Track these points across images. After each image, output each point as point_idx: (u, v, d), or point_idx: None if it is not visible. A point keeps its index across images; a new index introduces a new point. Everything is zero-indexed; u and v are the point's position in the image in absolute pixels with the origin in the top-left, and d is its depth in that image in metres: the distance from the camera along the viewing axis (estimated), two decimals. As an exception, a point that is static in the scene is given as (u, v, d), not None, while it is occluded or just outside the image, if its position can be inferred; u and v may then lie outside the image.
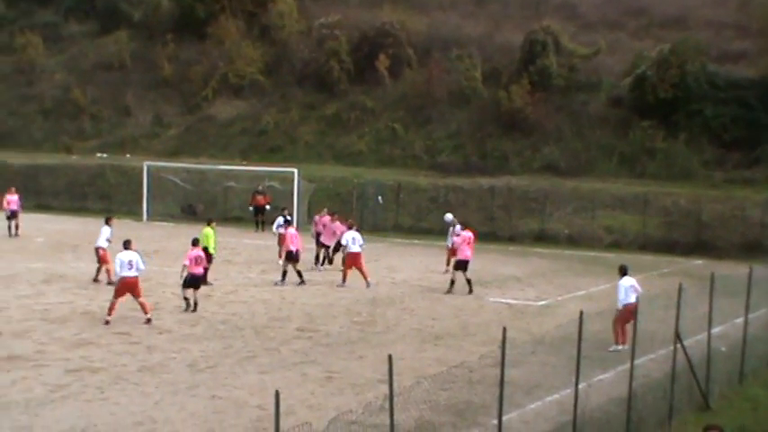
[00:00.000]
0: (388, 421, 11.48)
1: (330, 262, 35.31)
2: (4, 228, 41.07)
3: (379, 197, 49.60)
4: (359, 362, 20.73)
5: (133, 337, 22.47)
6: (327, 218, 36.53)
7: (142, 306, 24.12)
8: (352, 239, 31.45)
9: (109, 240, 29.72)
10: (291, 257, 30.97)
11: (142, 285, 24.73)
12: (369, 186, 50.30)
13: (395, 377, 11.50)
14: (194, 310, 25.80)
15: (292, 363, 20.46)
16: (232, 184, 51.81)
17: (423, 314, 26.83)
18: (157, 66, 66.44)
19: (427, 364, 19.90)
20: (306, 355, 21.29)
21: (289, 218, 36.12)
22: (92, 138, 64.19)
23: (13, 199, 41.83)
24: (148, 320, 23.81)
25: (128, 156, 59.74)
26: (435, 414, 15.33)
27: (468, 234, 30.77)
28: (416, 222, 48.41)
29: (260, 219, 47.33)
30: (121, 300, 24.04)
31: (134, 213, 50.42)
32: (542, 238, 45.38)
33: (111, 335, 22.63)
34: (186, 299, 25.98)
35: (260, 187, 48.56)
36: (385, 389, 11.71)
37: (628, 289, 22.17)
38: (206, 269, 30.27)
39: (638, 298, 21.64)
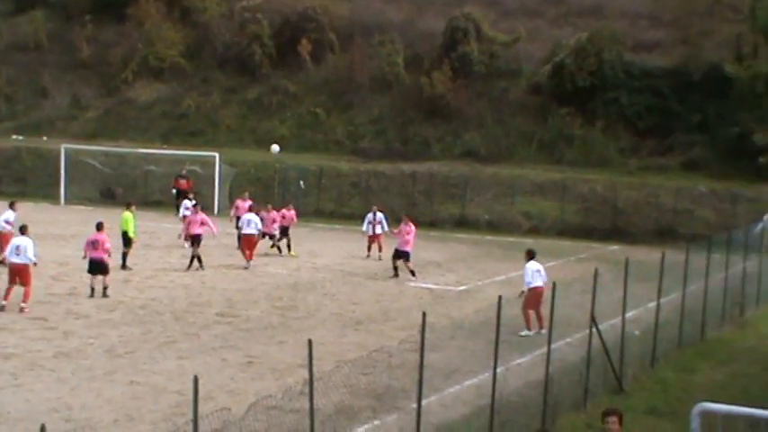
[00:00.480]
0: (307, 406, 11.48)
1: (279, 249, 35.20)
2: None
3: (301, 182, 49.49)
4: (279, 347, 20.69)
5: (49, 323, 22.10)
6: (246, 203, 36.42)
7: (25, 294, 23.32)
8: (247, 222, 32.43)
9: (8, 223, 28.93)
10: (195, 241, 30.77)
11: (60, 270, 24.31)
12: (290, 171, 50.15)
13: (315, 362, 11.50)
14: (104, 295, 25.33)
15: (212, 348, 20.34)
16: (152, 167, 51.22)
17: (344, 299, 26.87)
18: (75, 47, 65.15)
19: (347, 349, 19.94)
20: (225, 340, 21.17)
21: (194, 202, 36.05)
22: (7, 119, 62.75)
23: None
24: (22, 309, 22.96)
25: (44, 138, 58.57)
26: (355, 398, 15.37)
27: (412, 228, 31.17)
28: (338, 207, 48.42)
29: (181, 203, 46.76)
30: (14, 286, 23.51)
31: (51, 197, 49.56)
32: (463, 224, 45.78)
33: (26, 320, 22.23)
34: (92, 287, 25.51)
35: (183, 171, 48.07)
36: (305, 373, 11.70)
37: (534, 273, 22.68)
38: (125, 253, 30.00)
39: (544, 282, 22.10)
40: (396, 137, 55.29)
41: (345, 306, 25.82)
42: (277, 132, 57.51)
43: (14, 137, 59.32)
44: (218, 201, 48.50)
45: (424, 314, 13.18)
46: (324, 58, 61.18)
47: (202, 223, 31.40)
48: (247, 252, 32.06)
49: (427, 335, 13.09)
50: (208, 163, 49.70)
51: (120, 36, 65.30)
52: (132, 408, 15.88)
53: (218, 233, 32.25)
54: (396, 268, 30.55)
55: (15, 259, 23.42)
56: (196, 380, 9.78)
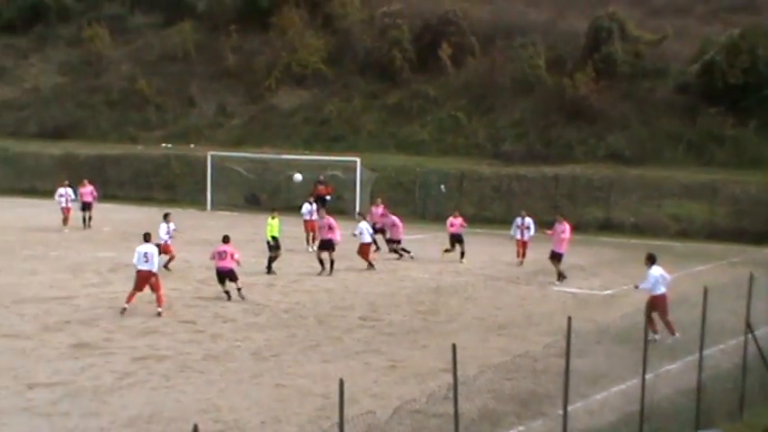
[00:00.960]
0: (451, 410, 11.43)
1: (397, 253, 35.37)
2: (79, 218, 41.57)
3: (442, 186, 49.49)
4: (422, 351, 20.70)
5: (198, 326, 22.69)
6: (378, 209, 36.72)
7: (158, 299, 23.90)
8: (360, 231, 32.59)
9: (170, 234, 30.11)
10: (325, 246, 31.03)
11: (208, 274, 24.89)
12: (431, 175, 50.21)
13: (458, 366, 11.44)
14: (240, 296, 25.95)
15: (355, 352, 20.50)
16: (295, 173, 51.99)
17: (486, 303, 26.72)
18: (221, 56, 66.83)
19: (491, 354, 19.79)
20: (369, 344, 21.31)
21: (315, 205, 37.09)
22: (157, 128, 64.82)
23: (86, 191, 42.16)
24: (159, 314, 23.53)
25: (192, 146, 60.25)
26: (499, 403, 15.26)
27: (567, 227, 30.91)
28: (479, 211, 48.17)
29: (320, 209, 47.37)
30: (140, 292, 24.02)
31: (198, 203, 50.96)
32: (607, 227, 44.95)
33: (177, 323, 22.88)
34: (226, 291, 26.11)
35: (321, 177, 48.71)
36: (448, 378, 11.65)
37: (657, 278, 21.80)
38: (271, 258, 30.61)
39: (666, 287, 21.39)
40: (537, 140, 54.71)
41: (488, 310, 25.67)
42: (418, 137, 57.71)
43: (164, 145, 61.22)
44: (359, 205, 48.92)
45: (569, 318, 12.98)
46: (464, 62, 61.03)
47: (330, 228, 31.46)
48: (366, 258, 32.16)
49: (572, 340, 12.88)
50: (349, 168, 50.23)
51: (263, 44, 66.65)
52: (278, 410, 16.14)
53: (340, 240, 32.15)
54: (559, 273, 30.23)
55: (144, 266, 23.87)
56: (342, 383, 9.85)
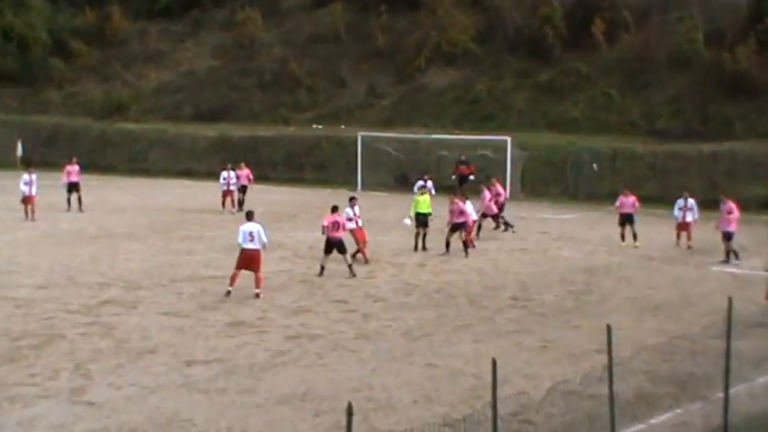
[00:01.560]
0: (606, 392, 11.26)
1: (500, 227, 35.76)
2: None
3: (594, 165, 48.70)
4: (574, 331, 20.47)
5: (350, 306, 23.00)
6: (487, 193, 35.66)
7: (257, 280, 23.60)
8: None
9: (350, 219, 28.74)
10: (455, 228, 30.53)
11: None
12: (583, 154, 49.45)
13: (613, 347, 11.25)
14: (352, 274, 26.13)
15: (507, 332, 20.44)
16: (444, 153, 52.03)
17: (640, 283, 26.21)
18: (371, 36, 67.30)
19: (646, 335, 19.41)
20: (520, 323, 21.21)
21: (427, 181, 37.31)
22: (308, 109, 65.81)
23: (243, 174, 42.47)
24: (257, 295, 23.30)
25: (342, 126, 60.96)
26: (655, 385, 14.97)
27: (734, 206, 30.03)
28: (633, 190, 47.07)
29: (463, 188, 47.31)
30: (243, 271, 23.63)
31: (349, 183, 51.52)
32: (771, 205, 43.27)
33: (329, 303, 23.25)
34: (322, 266, 26.34)
35: (463, 157, 48.58)
36: (602, 359, 11.49)
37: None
38: (417, 234, 30.54)
39: None
40: (694, 116, 53.14)
41: (642, 291, 25.17)
42: (569, 115, 56.88)
43: (315, 126, 62.16)
44: (511, 184, 48.65)
45: (730, 299, 12.60)
46: (618, 38, 59.76)
47: (461, 212, 30.65)
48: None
49: (733, 321, 12.49)
50: (499, 148, 49.92)
51: (413, 24, 66.79)
52: (430, 389, 16.22)
53: (472, 224, 31.63)
54: (730, 252, 29.49)
55: (249, 245, 23.48)
56: (494, 363, 9.84)
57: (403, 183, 51.93)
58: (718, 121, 52.15)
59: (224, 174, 41.85)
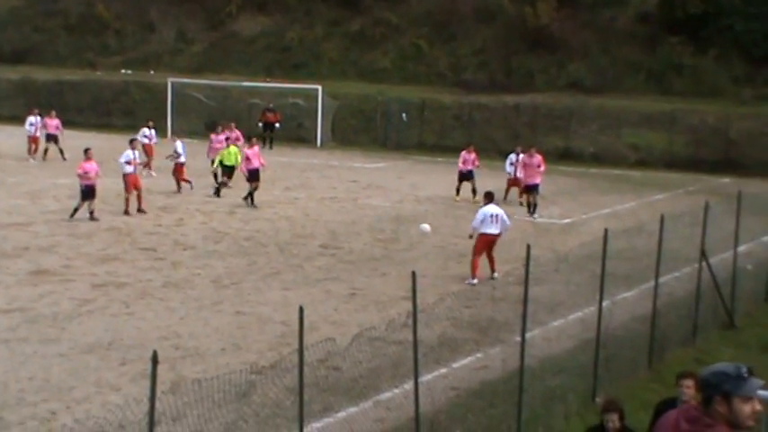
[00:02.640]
0: (411, 337, 11.44)
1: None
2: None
3: (404, 114, 49.32)
4: (382, 279, 20.74)
5: (158, 253, 22.56)
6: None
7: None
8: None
9: (129, 163, 28.13)
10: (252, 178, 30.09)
11: (169, 201, 24.63)
12: (393, 104, 49.97)
13: (418, 294, 11.44)
14: (92, 218, 26.03)
15: (315, 279, 20.51)
16: (256, 101, 51.53)
17: (446, 232, 26.75)
18: (181, -20, 65.69)
19: (450, 282, 19.89)
20: (329, 271, 21.32)
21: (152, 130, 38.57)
22: (116, 54, 63.82)
23: (52, 123, 40.62)
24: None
25: (152, 72, 59.43)
26: (458, 330, 15.35)
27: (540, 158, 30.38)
28: (440, 140, 48.11)
29: (268, 136, 47.24)
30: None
31: (158, 130, 50.20)
32: (567, 156, 45.04)
33: (137, 251, 22.74)
34: (91, 211, 26.13)
35: (270, 105, 48.37)
36: (408, 306, 11.66)
37: (488, 217, 20.84)
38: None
39: (503, 230, 20.84)
40: (499, 68, 54.52)
41: (448, 239, 25.71)
42: (380, 64, 57.28)
43: (123, 71, 60.35)
44: (321, 133, 48.76)
45: (528, 246, 12.99)
46: (427, -12, 60.45)
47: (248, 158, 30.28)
48: None
49: (531, 268, 12.90)
50: (310, 96, 49.84)
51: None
52: (239, 337, 16.14)
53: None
54: (529, 204, 29.73)
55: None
56: (301, 310, 9.82)
57: (214, 130, 51.11)
58: (520, 73, 53.70)
59: (31, 119, 40.00)
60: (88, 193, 26.16)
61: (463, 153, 32.74)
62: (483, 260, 20.77)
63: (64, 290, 18.82)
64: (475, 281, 20.37)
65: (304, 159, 43.14)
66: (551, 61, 53.69)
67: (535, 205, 29.77)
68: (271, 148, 46.42)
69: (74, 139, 45.44)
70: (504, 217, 21.17)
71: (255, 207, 29.44)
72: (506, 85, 52.07)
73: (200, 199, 30.54)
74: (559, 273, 17.23)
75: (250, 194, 29.74)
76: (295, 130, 50.55)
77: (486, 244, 20.94)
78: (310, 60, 59.42)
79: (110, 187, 31.59)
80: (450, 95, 51.14)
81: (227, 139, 35.85)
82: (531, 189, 30.00)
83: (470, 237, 21.19)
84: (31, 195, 30.09)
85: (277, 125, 47.56)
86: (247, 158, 30.32)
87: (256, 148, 31.04)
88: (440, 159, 43.92)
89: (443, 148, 46.62)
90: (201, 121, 52.46)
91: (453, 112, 49.50)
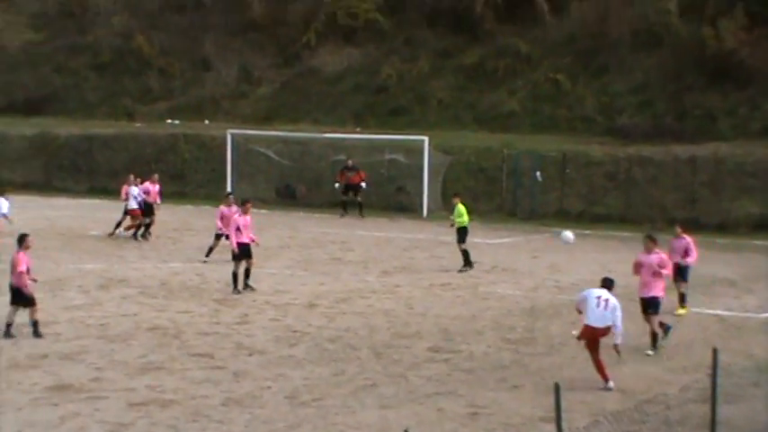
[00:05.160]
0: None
1: None
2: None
3: (538, 173, 49.21)
4: (513, 393, 20.52)
5: (216, 361, 22.70)
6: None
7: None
8: None
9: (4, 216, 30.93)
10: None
11: (228, 292, 24.76)
12: (523, 159, 49.92)
13: (564, 414, 11.26)
14: (36, 333, 24.68)
15: (424, 394, 20.37)
16: (342, 157, 52.07)
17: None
18: (244, 4, 67.22)
19: (606, 397, 19.56)
20: (442, 383, 21.16)
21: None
22: (160, 99, 65.39)
23: (154, 189, 41.38)
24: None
25: (206, 122, 60.65)
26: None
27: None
28: (588, 206, 47.82)
29: (352, 200, 47.71)
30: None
31: (214, 197, 50.99)
32: (765, 227, 44.24)
33: (187, 357, 22.93)
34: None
35: (350, 162, 48.77)
36: (548, 430, 11.48)
37: (591, 299, 20.92)
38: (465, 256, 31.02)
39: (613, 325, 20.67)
40: (667, 110, 54.22)
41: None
42: (505, 107, 57.55)
43: (169, 121, 61.69)
44: (428, 199, 48.84)
45: (715, 350, 12.73)
46: (567, 8, 60.71)
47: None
48: None
49: (720, 380, 12.63)
50: (414, 150, 50.09)
51: (300, -12, 66.95)
52: (322, 472, 16.08)
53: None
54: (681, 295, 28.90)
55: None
56: (406, 436, 9.76)
57: (288, 196, 51.81)
58: (697, 116, 53.29)
59: (133, 190, 40.48)
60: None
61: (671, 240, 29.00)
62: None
63: (92, 411, 19.01)
64: (610, 384, 20.26)
65: (406, 234, 43.24)
66: (740, 99, 53.19)
67: (682, 295, 28.62)
68: (361, 215, 46.76)
69: (106, 211, 46.55)
70: (617, 310, 20.79)
71: (253, 289, 30.14)
72: (677, 132, 51.66)
73: (269, 288, 30.79)
74: (760, 387, 16.84)
75: (245, 273, 30.28)
76: (394, 196, 50.85)
77: (588, 337, 20.90)
78: (413, 104, 59.97)
79: (152, 274, 32.16)
80: (600, 146, 50.91)
81: (146, 193, 38.93)
82: (678, 275, 28.77)
83: (579, 311, 21.41)
84: (51, 286, 30.68)
85: (363, 185, 47.90)
86: (238, 229, 30.47)
87: (248, 217, 31.16)
88: (587, 232, 43.57)
89: (592, 216, 46.31)
90: (272, 185, 53.18)
91: (605, 169, 49.19)
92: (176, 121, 61.48)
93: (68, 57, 69.10)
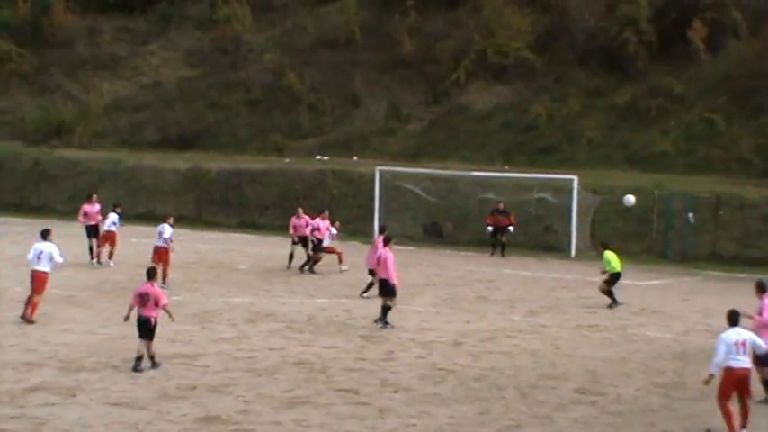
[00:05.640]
0: None
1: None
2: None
3: (691, 215, 48.62)
4: (660, 439, 20.28)
5: (361, 397, 22.84)
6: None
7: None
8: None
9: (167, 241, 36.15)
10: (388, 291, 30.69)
11: (376, 327, 24.91)
12: (676, 200, 49.37)
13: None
14: (153, 365, 24.77)
15: (570, 437, 20.27)
16: (490, 195, 52.05)
17: (752, 375, 25.94)
18: (395, 41, 67.69)
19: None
20: (589, 426, 21.02)
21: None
22: (310, 135, 66.09)
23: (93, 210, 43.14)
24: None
25: (355, 158, 61.13)
26: None
27: None
28: (742, 250, 47.09)
29: (498, 242, 47.65)
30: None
31: (362, 233, 51.40)
32: None
33: (333, 393, 23.12)
34: (140, 355, 24.77)
35: (501, 205, 48.61)
36: (701, 476, 11.35)
37: (730, 346, 20.28)
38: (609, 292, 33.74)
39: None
40: (827, 150, 53.20)
41: (755, 385, 24.91)
42: (657, 147, 57.03)
43: (318, 157, 62.33)
44: (576, 239, 48.55)
45: None
46: (724, 46, 59.98)
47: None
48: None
49: None
50: (563, 189, 49.88)
51: (450, 25, 67.24)
52: None
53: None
54: None
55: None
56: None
57: (435, 234, 51.93)
58: None
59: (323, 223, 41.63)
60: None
61: None
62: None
63: (240, 442, 19.30)
64: None
65: (553, 274, 43.04)
66: None
67: None
68: (503, 255, 46.72)
69: (254, 246, 47.24)
70: (758, 341, 20.82)
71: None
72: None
73: (415, 326, 30.89)
74: None
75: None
76: (542, 235, 50.68)
77: (736, 382, 20.33)
78: (563, 143, 59.75)
79: (299, 309, 32.54)
80: (756, 188, 50.13)
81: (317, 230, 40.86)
82: None
83: (706, 382, 20.61)
84: (200, 318, 31.23)
85: (510, 228, 47.88)
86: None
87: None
88: (742, 276, 42.84)
89: (746, 260, 45.59)
90: (418, 222, 53.37)
91: (761, 212, 48.40)
92: (325, 158, 62.08)
93: (221, 93, 70.26)
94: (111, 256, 41.90)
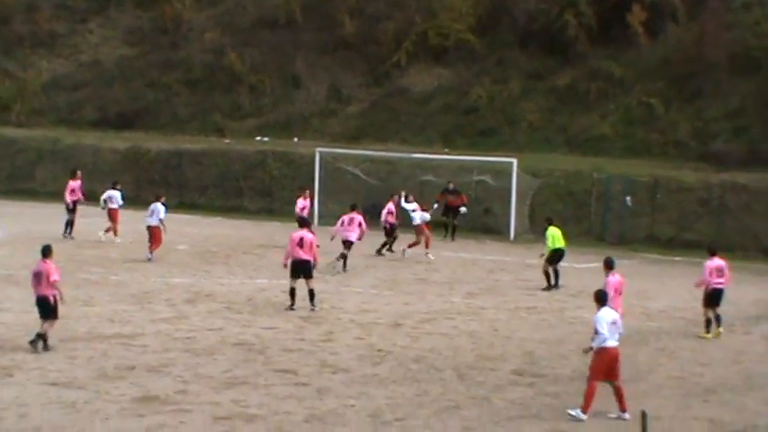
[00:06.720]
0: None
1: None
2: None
3: (628, 198, 48.93)
4: (598, 419, 20.45)
5: (300, 377, 22.89)
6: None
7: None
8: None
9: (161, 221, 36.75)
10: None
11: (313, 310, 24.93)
12: (614, 183, 49.66)
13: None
14: (45, 347, 24.42)
15: (507, 417, 20.38)
16: (430, 177, 52.13)
17: (687, 358, 26.26)
18: (336, 22, 67.55)
19: (694, 428, 19.43)
20: (526, 407, 21.17)
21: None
22: (250, 116, 65.86)
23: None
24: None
25: (295, 140, 61.01)
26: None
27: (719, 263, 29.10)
28: (679, 233, 47.44)
29: (450, 223, 47.74)
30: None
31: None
32: None
33: (272, 373, 23.15)
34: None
35: (451, 185, 48.69)
36: (635, 456, 11.51)
37: (610, 325, 20.75)
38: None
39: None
40: (763, 136, 53.57)
41: (689, 367, 25.22)
42: (596, 131, 57.30)
43: (258, 138, 62.14)
44: (516, 222, 48.75)
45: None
46: (663, 30, 60.30)
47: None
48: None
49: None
50: (502, 172, 50.02)
51: (392, 7, 67.18)
52: (403, 491, 16.16)
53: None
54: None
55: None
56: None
57: (375, 215, 51.93)
58: (795, 142, 52.62)
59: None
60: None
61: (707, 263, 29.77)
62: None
63: (178, 423, 19.26)
64: (584, 416, 20.22)
65: (492, 256, 43.25)
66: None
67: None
68: (453, 239, 46.87)
69: (193, 226, 47.09)
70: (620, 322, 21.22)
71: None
72: (773, 159, 51.07)
73: (354, 307, 30.96)
74: None
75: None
76: (481, 218, 50.82)
77: (609, 361, 20.65)
78: (502, 125, 59.91)
79: (238, 290, 32.50)
80: (693, 172, 50.48)
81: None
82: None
83: (585, 351, 21.42)
84: (138, 299, 31.12)
85: (463, 209, 47.92)
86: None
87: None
88: (678, 259, 43.31)
89: (683, 243, 45.95)
90: (359, 204, 53.27)
91: (698, 195, 48.75)
92: (265, 138, 61.88)
93: (161, 72, 69.79)
94: (115, 233, 43.00)
